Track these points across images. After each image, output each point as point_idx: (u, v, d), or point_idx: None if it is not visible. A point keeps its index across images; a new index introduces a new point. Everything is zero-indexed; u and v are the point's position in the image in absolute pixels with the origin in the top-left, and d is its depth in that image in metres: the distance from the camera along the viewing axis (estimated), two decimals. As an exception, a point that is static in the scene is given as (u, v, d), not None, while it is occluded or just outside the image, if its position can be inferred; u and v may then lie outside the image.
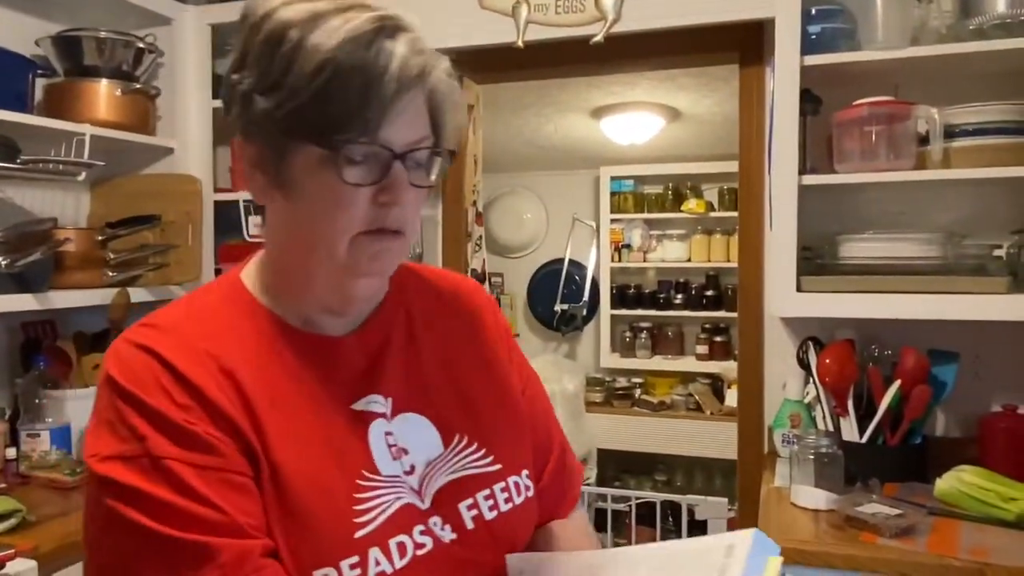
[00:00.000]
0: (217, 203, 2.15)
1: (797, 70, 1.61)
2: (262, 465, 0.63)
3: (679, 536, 3.04)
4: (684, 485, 4.11)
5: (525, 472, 0.77)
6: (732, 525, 2.65)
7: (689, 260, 4.34)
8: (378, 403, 0.70)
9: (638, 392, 4.31)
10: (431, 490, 0.70)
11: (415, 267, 0.84)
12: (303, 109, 0.63)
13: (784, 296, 1.66)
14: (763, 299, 1.93)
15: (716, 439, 3.79)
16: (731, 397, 3.84)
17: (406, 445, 0.70)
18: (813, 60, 1.62)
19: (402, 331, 0.76)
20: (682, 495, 3.00)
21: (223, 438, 0.62)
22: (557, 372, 3.81)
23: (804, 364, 1.77)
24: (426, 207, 2.26)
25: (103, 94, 1.94)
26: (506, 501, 0.74)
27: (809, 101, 1.67)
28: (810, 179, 1.64)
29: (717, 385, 4.16)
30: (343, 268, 0.67)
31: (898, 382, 1.57)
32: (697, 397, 4.11)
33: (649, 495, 3.21)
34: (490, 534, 0.71)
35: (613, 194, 4.42)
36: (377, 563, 0.64)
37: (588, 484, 3.61)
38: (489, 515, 0.72)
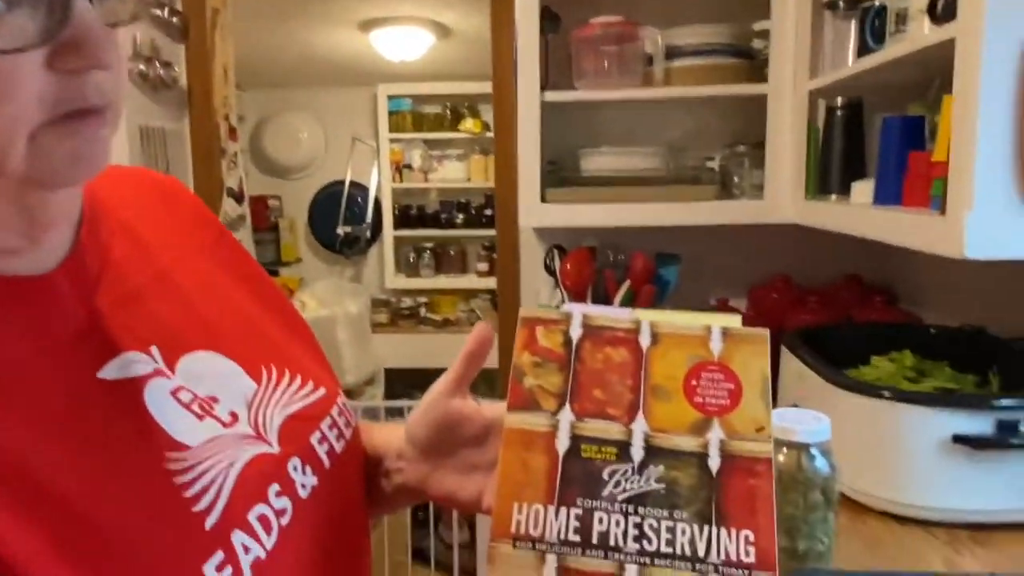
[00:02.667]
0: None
1: (537, -13, 1.67)
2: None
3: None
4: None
5: (341, 392, 0.64)
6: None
7: (469, 180, 4.42)
8: (141, 362, 0.49)
9: (423, 311, 4.40)
10: (273, 430, 0.54)
11: None
12: None
13: (531, 208, 1.76)
14: (518, 213, 2.03)
15: (498, 347, 3.98)
16: (509, 310, 4.04)
17: (211, 392, 0.52)
18: (551, -22, 1.68)
19: (126, 253, 0.53)
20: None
21: None
22: (338, 295, 3.78)
23: (551, 271, 1.90)
24: (170, 120, 2.10)
25: None
26: (346, 425, 0.61)
27: (549, 19, 1.74)
28: (551, 95, 1.73)
29: (497, 300, 4.35)
30: (27, 182, 0.42)
31: (628, 283, 1.74)
32: (479, 312, 4.27)
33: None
34: (344, 468, 0.59)
35: (391, 113, 4.36)
36: (246, 549, 0.47)
37: (375, 401, 3.67)
38: (339, 446, 0.59)
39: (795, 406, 1.18)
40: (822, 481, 0.86)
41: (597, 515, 0.49)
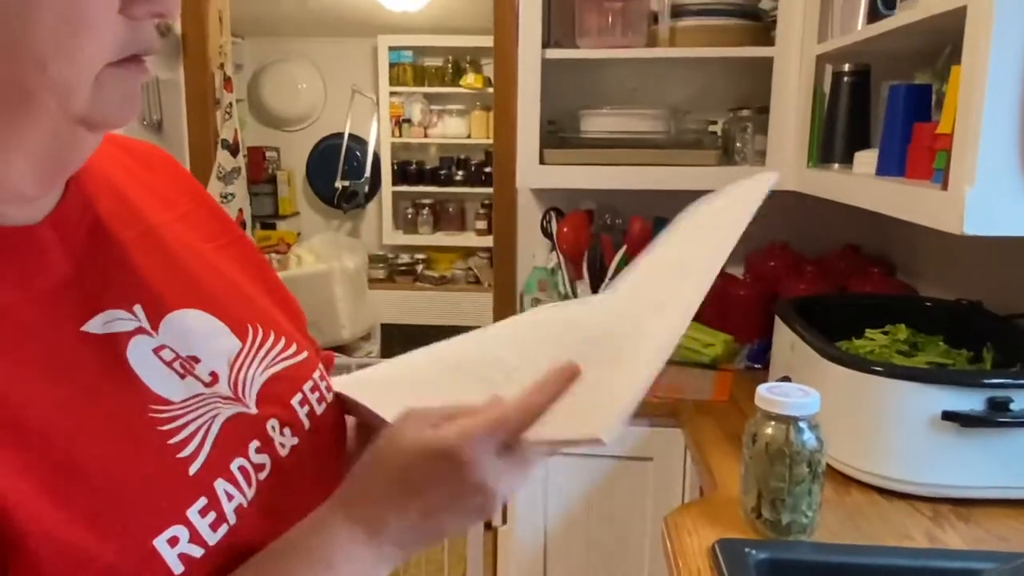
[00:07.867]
0: None
1: (540, -61, 1.62)
2: None
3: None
4: (464, 354, 4.31)
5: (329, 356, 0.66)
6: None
7: (469, 136, 4.37)
8: (124, 319, 0.49)
9: (420, 267, 4.38)
10: (252, 391, 0.54)
11: None
12: None
13: (529, 168, 1.73)
14: (516, 173, 2.00)
15: (493, 309, 3.98)
16: (507, 269, 4.03)
17: (193, 351, 0.52)
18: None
19: (112, 211, 0.53)
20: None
21: None
22: (336, 250, 3.76)
23: (547, 233, 1.88)
24: (164, 69, 2.05)
25: None
26: (327, 390, 0.61)
27: (552, -27, 1.69)
28: (553, 53, 1.69)
29: (494, 260, 4.34)
30: (80, 120, 0.44)
31: (624, 247, 1.72)
32: (476, 270, 4.26)
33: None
34: (327, 430, 0.60)
35: (392, 66, 4.29)
36: (229, 497, 0.48)
37: (371, 356, 3.69)
38: (319, 408, 0.59)
39: (786, 378, 1.18)
40: (808, 455, 0.86)
41: None
